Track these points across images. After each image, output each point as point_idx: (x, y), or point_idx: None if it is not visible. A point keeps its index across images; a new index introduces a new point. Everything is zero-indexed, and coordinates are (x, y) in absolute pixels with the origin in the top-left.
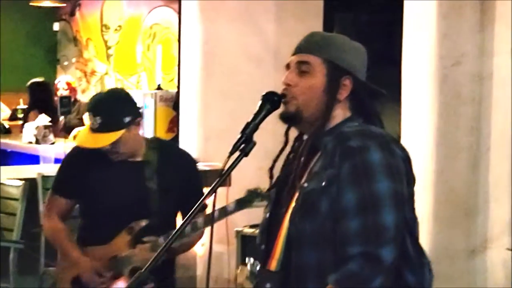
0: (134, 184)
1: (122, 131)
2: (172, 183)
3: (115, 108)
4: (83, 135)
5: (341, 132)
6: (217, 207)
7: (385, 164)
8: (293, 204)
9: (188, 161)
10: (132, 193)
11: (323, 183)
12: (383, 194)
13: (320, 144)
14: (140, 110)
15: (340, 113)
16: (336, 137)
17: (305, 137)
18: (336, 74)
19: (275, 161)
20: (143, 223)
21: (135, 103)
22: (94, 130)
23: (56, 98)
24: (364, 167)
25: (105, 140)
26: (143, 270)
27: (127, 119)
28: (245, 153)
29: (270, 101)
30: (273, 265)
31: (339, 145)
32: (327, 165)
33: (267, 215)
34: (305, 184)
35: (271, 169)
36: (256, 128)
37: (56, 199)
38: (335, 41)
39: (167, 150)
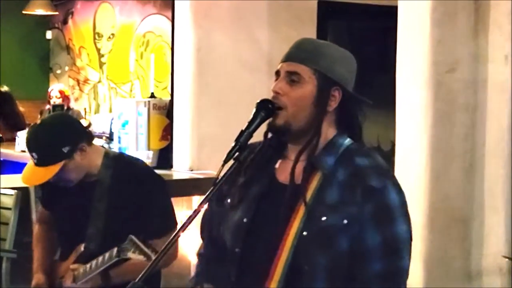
0: (83, 205)
1: (61, 163)
2: (122, 202)
3: (49, 140)
4: (26, 171)
5: (353, 162)
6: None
7: (402, 206)
8: (295, 226)
9: (143, 179)
10: (82, 214)
11: (345, 221)
12: (403, 238)
13: (317, 163)
14: (85, 133)
15: (326, 126)
16: (347, 165)
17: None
18: (326, 86)
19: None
20: (82, 247)
21: (74, 130)
22: (36, 164)
23: (48, 107)
24: (387, 209)
25: (45, 175)
26: (136, 280)
27: (66, 149)
28: (239, 161)
29: (265, 109)
30: (273, 286)
31: (358, 181)
32: (345, 199)
33: (244, 220)
34: (323, 218)
35: (240, 164)
36: (250, 136)
37: (39, 206)
38: (326, 51)
39: (122, 169)
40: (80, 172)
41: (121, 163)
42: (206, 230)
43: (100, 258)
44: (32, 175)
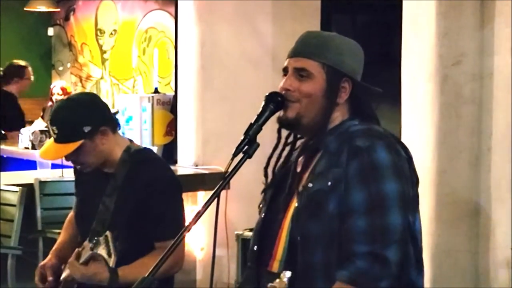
0: (95, 197)
1: (79, 142)
2: (130, 202)
3: (71, 117)
4: (45, 146)
5: (346, 131)
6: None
7: (392, 165)
8: (293, 205)
9: (154, 182)
10: (94, 204)
11: (329, 183)
12: (390, 195)
13: (320, 145)
14: (111, 118)
15: (338, 116)
16: (340, 136)
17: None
18: (335, 78)
19: (269, 159)
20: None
21: (99, 110)
22: (55, 140)
23: (50, 104)
24: (372, 167)
25: (61, 151)
26: (146, 275)
27: (87, 129)
28: (248, 154)
29: (274, 101)
30: (275, 266)
31: (345, 144)
32: (332, 165)
33: (262, 216)
34: (310, 185)
35: (266, 168)
36: (259, 129)
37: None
38: (332, 44)
39: (137, 167)
40: (99, 157)
41: (138, 161)
42: None
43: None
44: (49, 150)
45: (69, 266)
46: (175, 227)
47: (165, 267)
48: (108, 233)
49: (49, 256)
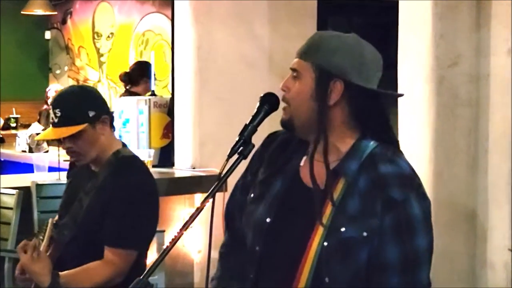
0: (76, 194)
1: (83, 126)
2: (100, 203)
3: (77, 100)
4: (44, 132)
5: (375, 169)
6: (215, 213)
7: (425, 218)
8: (317, 238)
9: (125, 188)
10: (71, 203)
11: (364, 233)
12: (423, 251)
13: (341, 169)
14: (109, 110)
15: (338, 123)
16: (367, 171)
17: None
18: (324, 78)
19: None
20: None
21: (102, 100)
22: (54, 124)
23: (46, 107)
24: (408, 222)
25: (64, 132)
26: (141, 277)
27: (92, 113)
28: (243, 155)
29: (269, 102)
30: None
31: (377, 189)
32: (366, 212)
33: (268, 220)
34: (342, 229)
35: (263, 154)
36: (254, 130)
37: None
38: (325, 43)
39: (119, 170)
40: (94, 148)
41: (121, 165)
42: (229, 220)
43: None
44: (49, 133)
45: (19, 249)
46: (131, 239)
47: (105, 277)
48: (50, 219)
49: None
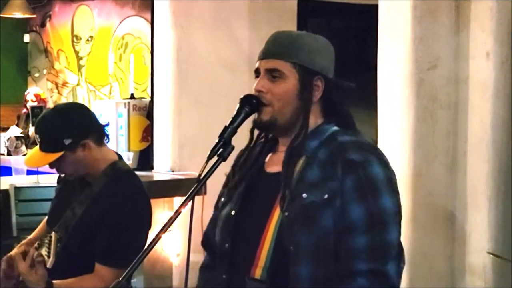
0: (70, 202)
1: (59, 153)
2: (94, 215)
3: (53, 128)
4: (31, 153)
5: (333, 140)
6: (194, 216)
7: (387, 180)
8: (277, 211)
9: (119, 205)
10: (62, 209)
11: (325, 196)
12: (388, 211)
13: (302, 149)
14: (96, 131)
15: (311, 117)
16: (328, 144)
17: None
18: (308, 77)
19: (239, 158)
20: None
21: (83, 124)
22: (39, 148)
23: (24, 110)
24: (369, 182)
25: (43, 160)
26: (120, 279)
27: (67, 141)
28: (223, 157)
29: (249, 104)
30: (258, 273)
31: (337, 156)
32: (327, 177)
33: (232, 213)
34: (304, 195)
35: (234, 167)
36: (234, 131)
37: None
38: (302, 43)
39: (115, 184)
40: (80, 168)
41: (117, 179)
42: (206, 242)
43: None
44: (33, 157)
45: (17, 255)
46: (123, 257)
47: None
48: (53, 234)
49: (15, 249)
